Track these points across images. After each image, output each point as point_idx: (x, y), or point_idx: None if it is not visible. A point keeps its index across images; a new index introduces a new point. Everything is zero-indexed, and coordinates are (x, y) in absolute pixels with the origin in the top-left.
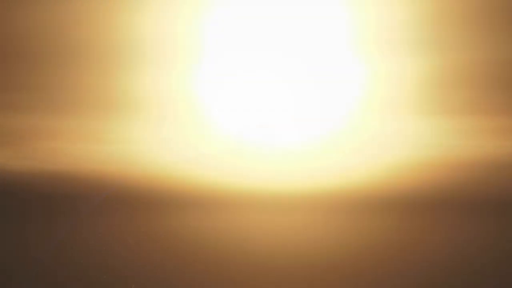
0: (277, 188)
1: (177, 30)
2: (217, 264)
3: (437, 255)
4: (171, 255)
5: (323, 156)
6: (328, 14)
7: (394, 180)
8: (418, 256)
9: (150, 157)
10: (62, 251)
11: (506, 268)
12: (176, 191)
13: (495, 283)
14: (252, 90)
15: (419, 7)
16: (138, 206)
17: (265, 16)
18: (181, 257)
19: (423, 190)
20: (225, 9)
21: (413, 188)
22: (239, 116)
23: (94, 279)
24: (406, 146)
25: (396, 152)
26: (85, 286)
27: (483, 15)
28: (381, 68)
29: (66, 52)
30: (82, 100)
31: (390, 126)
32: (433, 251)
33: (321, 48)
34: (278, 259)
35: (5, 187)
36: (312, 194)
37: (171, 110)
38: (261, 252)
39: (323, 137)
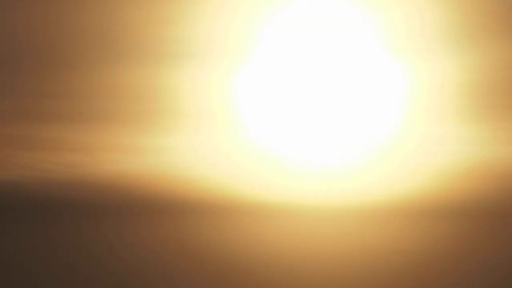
0: (323, 201)
1: (217, 39)
2: (247, 273)
3: (493, 261)
4: (197, 261)
5: (370, 168)
6: (365, 23)
7: (441, 189)
8: (475, 262)
9: (183, 167)
10: (82, 253)
11: None
12: (206, 200)
13: None
14: (293, 103)
15: (455, 10)
16: (169, 213)
17: (307, 26)
18: (206, 264)
19: (471, 198)
20: (264, 21)
21: (461, 196)
22: (279, 130)
23: (109, 279)
24: (451, 154)
25: (442, 161)
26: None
27: None
28: (421, 74)
29: (100, 55)
30: (116, 109)
31: (434, 134)
32: (488, 257)
33: (362, 58)
34: (328, 267)
35: (24, 193)
36: (361, 205)
37: (208, 120)
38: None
39: (370, 149)
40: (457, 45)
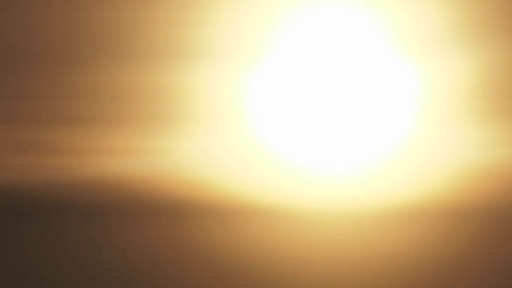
0: (334, 205)
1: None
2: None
3: (508, 263)
4: (211, 266)
5: (383, 172)
6: (378, 26)
7: (457, 192)
8: (490, 264)
9: (193, 169)
10: (87, 254)
11: None
12: (215, 203)
13: None
14: (304, 106)
15: (468, 8)
16: (177, 215)
17: (318, 29)
18: (215, 267)
19: (488, 201)
20: (275, 24)
21: (477, 199)
22: (290, 133)
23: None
24: (466, 157)
25: (456, 164)
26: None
27: None
28: (434, 75)
29: (109, 56)
30: (126, 111)
31: (448, 137)
32: (503, 259)
33: (375, 61)
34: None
35: (33, 195)
36: (374, 210)
37: (218, 122)
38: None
39: (383, 153)
40: (470, 45)
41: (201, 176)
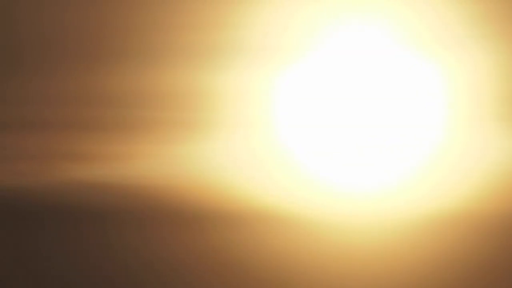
0: (359, 217)
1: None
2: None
3: None
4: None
5: (413, 182)
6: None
7: (489, 200)
8: None
9: (216, 175)
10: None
11: None
12: (235, 210)
13: None
14: (334, 115)
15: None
16: (197, 222)
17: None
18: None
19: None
20: (307, 30)
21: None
22: (319, 143)
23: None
24: (496, 163)
25: (487, 171)
26: None
27: None
28: (461, 78)
29: (136, 60)
30: (146, 117)
31: (478, 142)
32: None
33: (411, 70)
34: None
35: (48, 199)
36: (399, 223)
37: (245, 129)
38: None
39: (413, 162)
40: (497, 46)
41: (224, 182)
